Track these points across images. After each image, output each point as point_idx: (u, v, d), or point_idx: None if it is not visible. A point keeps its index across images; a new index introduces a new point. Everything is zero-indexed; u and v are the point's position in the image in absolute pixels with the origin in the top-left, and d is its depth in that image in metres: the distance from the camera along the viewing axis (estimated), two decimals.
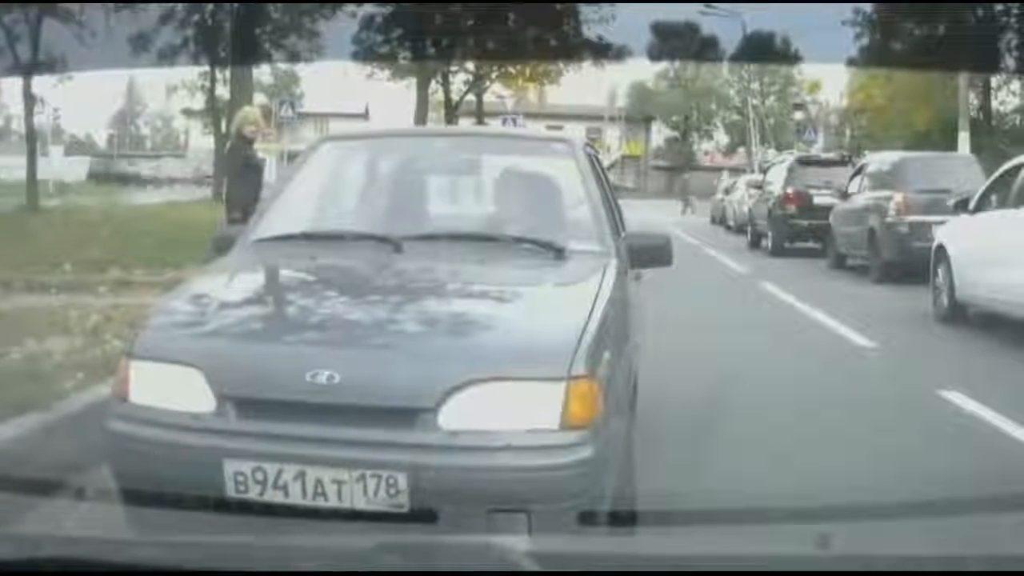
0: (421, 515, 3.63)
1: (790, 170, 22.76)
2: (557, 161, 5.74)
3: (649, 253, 5.32)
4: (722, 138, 79.85)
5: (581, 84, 54.07)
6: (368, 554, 2.31)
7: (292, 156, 59.55)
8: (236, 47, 31.88)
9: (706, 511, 4.18)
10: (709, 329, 10.90)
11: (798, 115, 47.88)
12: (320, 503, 3.68)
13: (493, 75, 37.54)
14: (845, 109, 55.71)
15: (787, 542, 3.05)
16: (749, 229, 25.43)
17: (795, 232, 21.85)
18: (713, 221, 36.59)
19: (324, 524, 3.61)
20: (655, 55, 58.58)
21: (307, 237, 5.21)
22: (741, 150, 74.60)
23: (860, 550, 2.70)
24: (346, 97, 63.94)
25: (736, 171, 53.23)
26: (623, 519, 3.86)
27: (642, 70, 73.31)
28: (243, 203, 11.18)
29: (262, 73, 59.17)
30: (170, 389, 3.97)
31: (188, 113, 65.76)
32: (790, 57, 56.25)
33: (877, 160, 18.98)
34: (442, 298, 4.62)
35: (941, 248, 12.36)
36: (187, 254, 14.62)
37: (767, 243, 22.87)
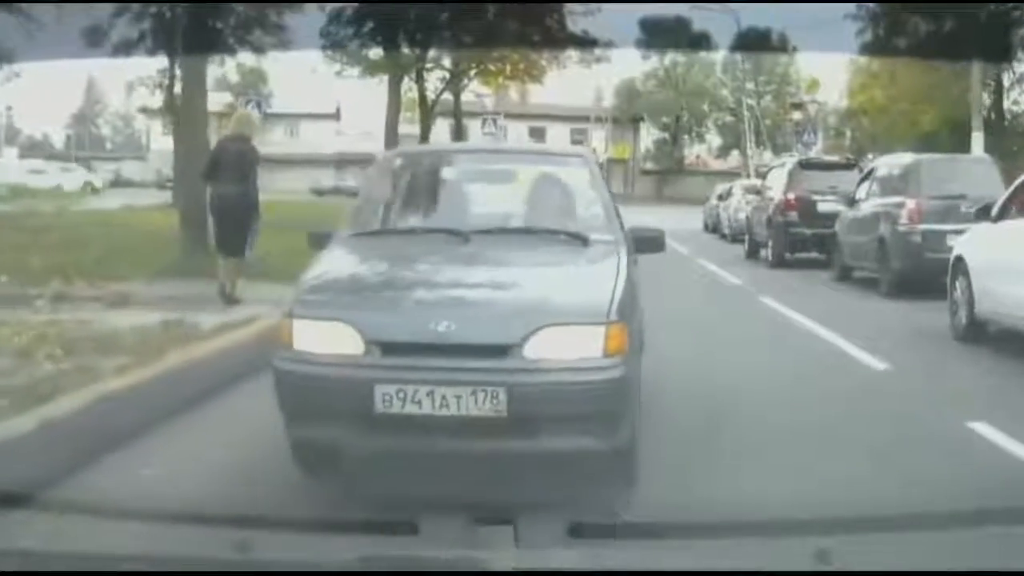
0: (515, 421, 5.33)
1: (791, 174, 22.27)
2: (575, 171, 7.62)
3: (647, 242, 7.07)
4: (714, 140, 79.38)
5: (566, 83, 53.53)
6: (351, 567, 2.47)
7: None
8: (196, 41, 31.36)
9: (700, 525, 4.34)
10: (705, 348, 10.51)
11: (797, 115, 47.41)
12: (443, 412, 5.33)
13: (471, 72, 36.92)
14: (845, 109, 55.31)
15: (785, 557, 3.13)
16: (746, 238, 25.00)
17: (797, 241, 21.45)
18: (706, 228, 36.32)
19: (305, 538, 3.93)
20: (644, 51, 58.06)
21: (392, 232, 7.20)
22: (734, 153, 74.33)
23: (859, 565, 2.83)
24: (317, 97, 63.64)
25: (731, 175, 52.91)
26: (613, 532, 4.10)
27: (630, 68, 73.10)
28: (251, 206, 12.51)
29: (228, 71, 59.01)
30: (326, 339, 5.63)
31: (147, 112, 65.11)
32: (787, 54, 55.95)
33: (887, 163, 18.48)
34: (512, 272, 6.43)
35: (960, 259, 11.93)
36: (135, 265, 14.25)
37: (766, 253, 22.44)
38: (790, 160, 24.37)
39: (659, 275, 11.80)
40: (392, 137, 28.24)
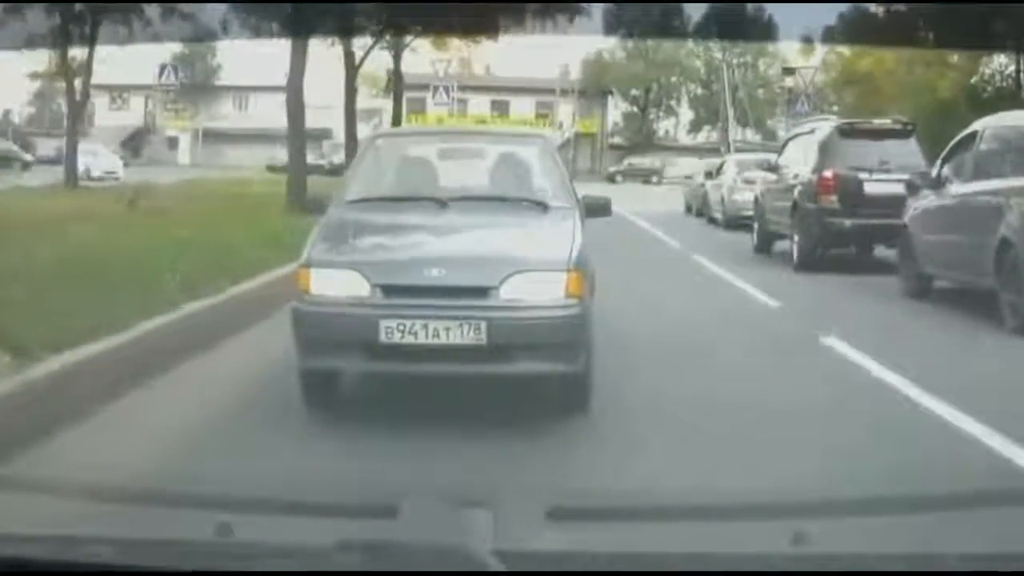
0: (493, 349, 6.31)
1: (826, 145, 15.77)
2: (537, 149, 8.60)
3: (597, 208, 8.08)
4: (686, 114, 75.76)
5: (530, 54, 49.48)
6: (326, 552, 2.38)
7: (208, 134, 51.97)
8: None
9: (679, 508, 3.99)
10: None
11: (789, 81, 41.35)
12: (435, 342, 6.29)
13: (413, 31, 29.75)
14: (837, 77, 49.35)
15: (762, 539, 2.93)
16: (755, 227, 18.67)
17: (834, 235, 15.24)
18: (689, 211, 30.62)
19: (282, 520, 3.67)
20: (611, 26, 53.99)
21: (383, 199, 8.06)
22: (705, 128, 71.09)
23: (837, 548, 2.74)
24: (267, 68, 58.35)
25: (700, 150, 48.14)
26: (592, 515, 3.85)
27: (598, 38, 69.55)
28: None
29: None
30: (337, 284, 6.61)
31: (96, 88, 59.46)
32: (763, 27, 51.25)
33: (1002, 126, 11.60)
34: (488, 231, 7.43)
35: None
36: None
37: (791, 248, 16.20)
38: (823, 125, 17.40)
39: (655, 285, 10.97)
40: (297, 111, 21.22)
